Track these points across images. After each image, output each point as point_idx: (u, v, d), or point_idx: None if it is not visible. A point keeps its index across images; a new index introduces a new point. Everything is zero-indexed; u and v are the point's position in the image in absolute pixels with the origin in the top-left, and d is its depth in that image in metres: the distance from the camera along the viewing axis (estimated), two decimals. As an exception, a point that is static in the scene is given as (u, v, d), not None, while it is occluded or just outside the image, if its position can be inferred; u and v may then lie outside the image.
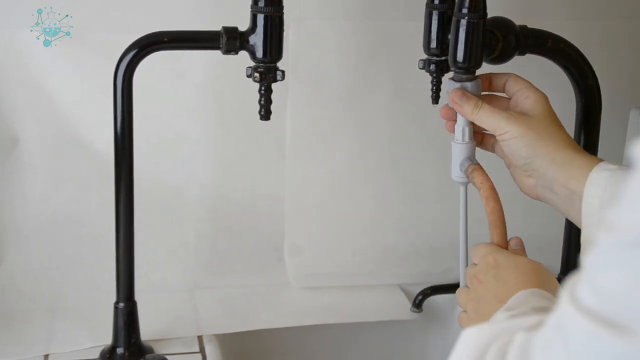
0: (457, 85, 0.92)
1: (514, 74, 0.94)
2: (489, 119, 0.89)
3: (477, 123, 0.91)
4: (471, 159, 0.92)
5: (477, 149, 0.95)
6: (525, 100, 0.91)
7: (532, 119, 0.88)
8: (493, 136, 0.92)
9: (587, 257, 0.46)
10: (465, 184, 0.93)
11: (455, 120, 0.93)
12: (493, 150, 0.96)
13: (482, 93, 0.94)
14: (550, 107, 0.90)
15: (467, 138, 0.92)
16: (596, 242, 0.46)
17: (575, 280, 0.48)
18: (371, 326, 1.27)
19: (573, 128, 1.04)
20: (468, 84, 0.92)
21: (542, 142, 0.86)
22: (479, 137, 0.95)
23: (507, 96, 0.95)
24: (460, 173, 0.93)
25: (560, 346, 0.47)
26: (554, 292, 0.74)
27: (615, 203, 0.45)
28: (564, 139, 0.88)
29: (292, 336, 1.25)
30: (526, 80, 0.93)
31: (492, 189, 0.87)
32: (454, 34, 0.91)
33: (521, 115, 0.89)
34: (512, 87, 0.93)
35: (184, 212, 1.26)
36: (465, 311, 0.83)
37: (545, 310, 0.65)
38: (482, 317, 0.77)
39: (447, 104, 0.94)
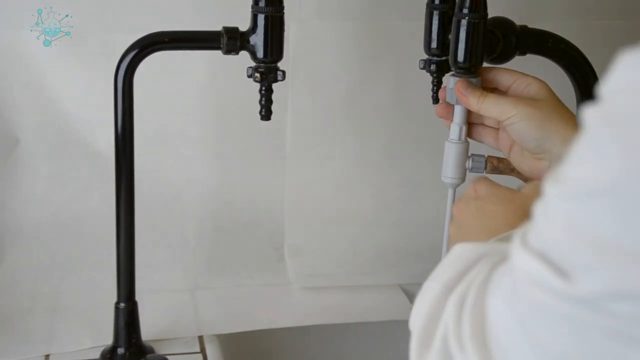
0: (457, 80, 0.92)
1: (501, 67, 0.93)
2: (496, 106, 0.88)
3: (483, 112, 0.89)
4: (479, 154, 0.92)
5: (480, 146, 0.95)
6: (528, 87, 0.90)
7: (539, 101, 0.88)
8: (495, 129, 0.92)
9: (536, 207, 0.50)
10: (455, 187, 0.93)
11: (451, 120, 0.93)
12: (494, 143, 0.94)
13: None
14: (552, 91, 0.90)
15: (462, 137, 0.92)
16: (543, 193, 0.49)
17: (528, 225, 0.52)
18: (371, 326, 1.27)
19: (573, 128, 1.04)
20: (471, 80, 0.91)
21: (551, 122, 0.86)
22: (480, 129, 0.94)
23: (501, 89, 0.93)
24: (452, 174, 0.92)
25: (509, 279, 0.52)
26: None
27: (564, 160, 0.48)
28: (572, 117, 0.88)
29: (293, 336, 1.25)
30: (518, 71, 0.92)
31: None
32: (454, 34, 0.91)
33: (527, 99, 0.89)
34: (506, 79, 0.92)
35: (185, 212, 1.26)
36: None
37: None
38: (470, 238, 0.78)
39: (443, 102, 0.94)
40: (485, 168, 0.91)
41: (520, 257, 0.50)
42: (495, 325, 0.53)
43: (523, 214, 0.76)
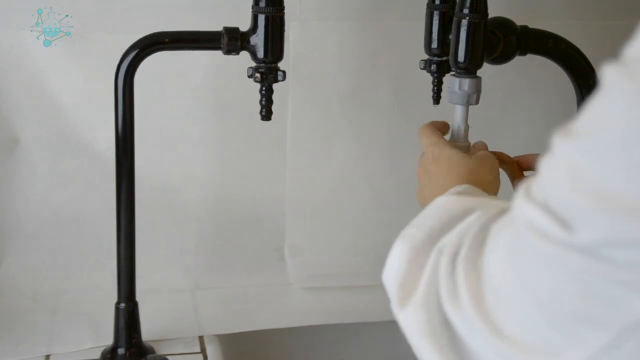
0: (458, 80, 0.91)
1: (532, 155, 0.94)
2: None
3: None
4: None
5: None
6: None
7: None
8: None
9: (543, 160, 0.51)
10: None
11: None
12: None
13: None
14: None
15: (462, 137, 0.92)
16: (551, 146, 0.50)
17: (532, 179, 0.52)
18: (372, 326, 1.27)
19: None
20: (468, 80, 0.91)
21: None
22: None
23: None
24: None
25: (508, 231, 0.53)
26: (487, 182, 0.80)
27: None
28: None
29: (293, 336, 1.25)
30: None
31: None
32: (455, 34, 0.91)
33: None
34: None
35: (185, 213, 1.26)
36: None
37: (495, 199, 0.70)
38: (424, 200, 0.82)
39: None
40: None
41: (522, 208, 0.51)
42: (493, 276, 0.54)
43: (468, 175, 0.79)
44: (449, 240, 0.61)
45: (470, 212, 0.63)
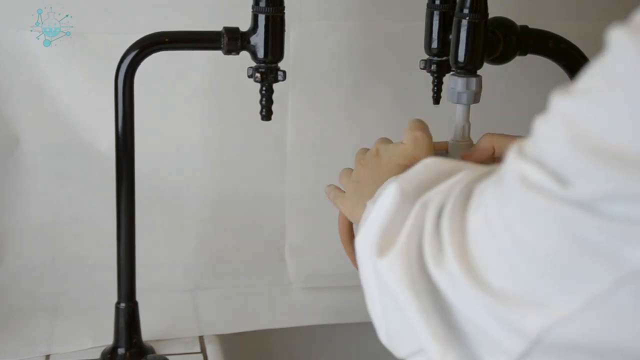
0: (459, 79, 0.91)
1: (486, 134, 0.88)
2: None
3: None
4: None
5: None
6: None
7: None
8: None
9: (538, 118, 0.50)
10: None
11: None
12: None
13: None
14: None
15: (465, 137, 0.92)
16: (549, 105, 0.49)
17: (523, 140, 0.52)
18: (371, 326, 1.26)
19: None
20: (471, 80, 0.91)
21: None
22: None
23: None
24: None
25: (496, 187, 0.53)
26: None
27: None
28: None
29: (293, 336, 1.25)
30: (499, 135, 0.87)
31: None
32: (455, 34, 0.91)
33: None
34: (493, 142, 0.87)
35: (185, 212, 1.26)
36: (338, 189, 0.88)
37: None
38: (361, 197, 0.79)
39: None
40: None
41: (515, 164, 0.50)
42: (479, 231, 0.53)
43: (407, 163, 0.77)
44: (434, 195, 0.61)
45: (457, 170, 0.63)
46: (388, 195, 0.64)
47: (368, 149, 0.87)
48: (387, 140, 0.86)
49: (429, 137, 0.81)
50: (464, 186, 0.59)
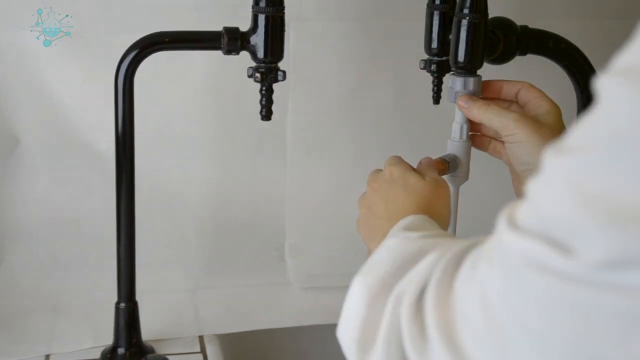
0: (459, 79, 0.91)
1: (527, 83, 0.91)
2: (498, 118, 0.86)
3: (486, 122, 0.88)
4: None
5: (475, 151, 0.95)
6: (539, 108, 0.88)
7: (543, 125, 0.85)
8: (489, 138, 0.92)
9: (531, 183, 0.46)
10: (458, 185, 0.93)
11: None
12: (487, 150, 0.93)
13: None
14: (562, 120, 0.87)
15: (464, 136, 0.92)
16: (542, 167, 0.46)
17: (511, 207, 0.48)
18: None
19: (574, 128, 1.04)
20: (471, 79, 0.91)
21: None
22: (480, 139, 0.93)
23: (520, 104, 0.91)
24: (455, 172, 0.92)
25: (498, 266, 0.47)
26: (439, 213, 0.75)
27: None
28: None
29: (293, 336, 1.26)
30: (540, 90, 0.90)
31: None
32: (455, 34, 0.91)
33: (530, 119, 0.86)
34: (526, 95, 0.89)
35: (185, 212, 1.26)
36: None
37: (452, 237, 0.66)
38: (371, 227, 0.78)
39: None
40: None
41: (509, 241, 0.46)
42: (473, 320, 0.49)
43: (424, 203, 0.76)
44: (406, 287, 0.57)
45: (424, 253, 0.59)
46: (355, 297, 0.61)
47: (380, 170, 0.85)
48: (399, 162, 0.84)
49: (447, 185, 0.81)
50: (442, 271, 0.54)
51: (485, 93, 0.91)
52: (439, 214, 0.76)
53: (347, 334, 0.61)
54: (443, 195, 0.79)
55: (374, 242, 0.72)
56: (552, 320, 0.45)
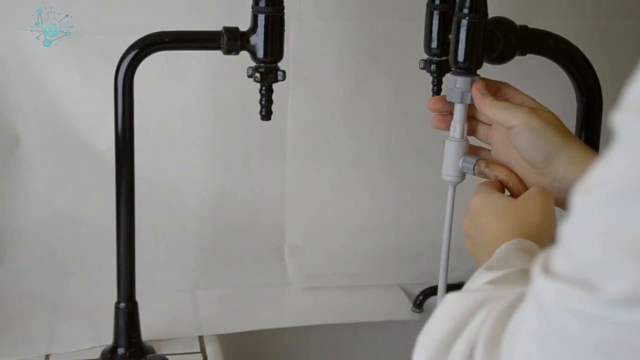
0: (459, 79, 0.91)
1: (505, 83, 0.90)
2: (507, 111, 0.85)
3: (494, 115, 0.86)
4: (472, 156, 0.90)
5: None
6: (522, 101, 0.87)
7: (551, 116, 0.84)
8: (488, 125, 0.90)
9: (563, 226, 0.48)
10: (455, 185, 0.92)
11: (447, 114, 0.91)
12: (485, 138, 0.91)
13: None
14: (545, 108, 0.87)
15: (462, 135, 0.91)
16: (572, 209, 0.47)
17: (547, 253, 0.49)
18: (372, 326, 1.27)
19: (574, 128, 1.04)
20: (470, 79, 0.91)
21: (563, 138, 0.82)
22: (473, 123, 0.91)
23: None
24: (452, 172, 0.91)
25: (535, 313, 0.49)
26: (537, 227, 0.75)
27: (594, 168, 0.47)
28: (582, 142, 0.84)
29: (293, 336, 1.26)
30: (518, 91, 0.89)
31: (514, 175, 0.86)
32: (454, 34, 0.91)
33: (540, 110, 0.85)
34: (507, 93, 0.89)
35: (185, 212, 1.26)
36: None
37: (525, 273, 0.66)
38: (476, 258, 0.79)
39: (437, 96, 0.92)
40: (474, 171, 0.90)
41: (544, 287, 0.48)
42: None
43: (517, 224, 0.75)
44: (460, 346, 0.59)
45: (478, 308, 0.61)
46: (418, 357, 0.63)
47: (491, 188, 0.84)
48: (482, 187, 0.83)
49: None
50: (490, 328, 0.56)
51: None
52: (537, 228, 0.76)
53: None
54: (538, 206, 0.78)
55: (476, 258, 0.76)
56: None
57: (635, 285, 0.43)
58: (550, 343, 0.47)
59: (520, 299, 0.55)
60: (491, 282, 0.67)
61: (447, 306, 0.65)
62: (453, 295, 0.65)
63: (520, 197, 0.79)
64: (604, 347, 0.45)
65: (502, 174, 0.86)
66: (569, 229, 0.47)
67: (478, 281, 0.69)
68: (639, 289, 0.43)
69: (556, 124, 0.84)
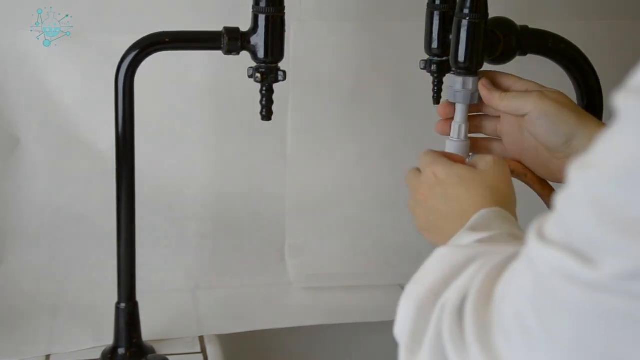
0: (458, 78, 0.91)
1: (501, 72, 0.90)
2: (518, 99, 0.85)
3: (506, 107, 0.86)
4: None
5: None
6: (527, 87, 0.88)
7: (562, 96, 0.84)
8: (496, 117, 0.90)
9: (558, 196, 0.49)
10: None
11: (452, 119, 0.92)
12: (493, 131, 0.91)
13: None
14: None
15: (462, 136, 0.91)
16: (567, 181, 0.48)
17: (542, 219, 0.50)
18: (372, 326, 1.27)
19: (574, 128, 1.04)
20: (470, 79, 0.91)
21: (579, 117, 0.82)
22: (478, 120, 0.92)
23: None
24: None
25: (529, 276, 0.50)
26: (505, 195, 0.76)
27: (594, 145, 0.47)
28: (595, 119, 0.84)
29: (293, 336, 1.25)
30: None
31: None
32: (455, 34, 0.91)
33: (549, 92, 0.84)
34: (507, 81, 0.89)
35: (186, 212, 1.26)
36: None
37: (512, 236, 0.68)
38: (436, 229, 0.79)
39: (447, 101, 0.92)
40: None
41: (540, 253, 0.49)
42: (508, 327, 0.51)
43: (487, 193, 0.76)
44: (451, 295, 0.60)
45: (470, 262, 0.62)
46: (406, 304, 0.63)
47: (417, 171, 0.84)
48: (436, 159, 0.82)
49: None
50: (483, 280, 0.57)
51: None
52: (505, 196, 0.76)
53: (399, 337, 0.64)
54: (502, 175, 0.78)
55: (442, 242, 0.74)
56: (578, 326, 0.47)
57: (630, 265, 0.44)
58: (547, 309, 0.49)
59: (513, 257, 0.56)
60: (479, 241, 0.68)
61: (438, 258, 0.65)
62: (444, 249, 0.66)
63: (480, 167, 0.79)
64: (603, 316, 0.46)
65: (518, 169, 0.86)
66: (565, 200, 0.48)
67: (463, 241, 0.70)
68: (634, 268, 0.44)
69: (567, 103, 0.84)
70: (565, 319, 0.48)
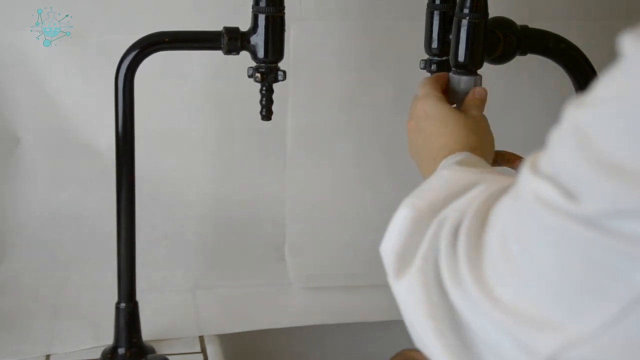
0: (458, 77, 0.91)
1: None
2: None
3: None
4: None
5: None
6: None
7: None
8: None
9: (552, 131, 0.50)
10: None
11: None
12: None
13: None
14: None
15: None
16: (562, 117, 0.49)
17: (536, 154, 0.52)
18: (372, 326, 1.27)
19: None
20: (471, 78, 0.91)
21: None
22: None
23: None
24: None
25: (513, 205, 0.53)
26: (481, 141, 0.80)
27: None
28: None
29: (293, 336, 1.25)
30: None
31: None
32: (455, 34, 0.91)
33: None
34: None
35: (185, 212, 1.26)
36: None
37: (500, 174, 0.70)
38: (423, 158, 0.83)
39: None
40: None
41: (528, 181, 0.51)
42: (494, 250, 0.53)
43: (465, 135, 0.79)
44: (450, 213, 0.61)
45: (473, 185, 0.63)
46: (402, 215, 0.64)
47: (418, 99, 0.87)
48: (433, 99, 0.85)
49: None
50: (481, 203, 0.58)
51: None
52: (481, 142, 0.80)
53: (389, 248, 0.64)
54: (485, 125, 0.83)
55: (426, 172, 0.77)
56: (555, 255, 0.49)
57: (611, 205, 0.45)
58: (528, 235, 0.50)
59: (510, 186, 0.57)
60: (477, 172, 0.69)
61: (441, 179, 0.67)
62: (448, 170, 0.68)
63: (467, 113, 0.83)
64: (582, 245, 0.47)
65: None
66: (556, 135, 0.50)
67: (456, 169, 0.71)
68: (615, 208, 0.45)
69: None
70: (544, 245, 0.49)
